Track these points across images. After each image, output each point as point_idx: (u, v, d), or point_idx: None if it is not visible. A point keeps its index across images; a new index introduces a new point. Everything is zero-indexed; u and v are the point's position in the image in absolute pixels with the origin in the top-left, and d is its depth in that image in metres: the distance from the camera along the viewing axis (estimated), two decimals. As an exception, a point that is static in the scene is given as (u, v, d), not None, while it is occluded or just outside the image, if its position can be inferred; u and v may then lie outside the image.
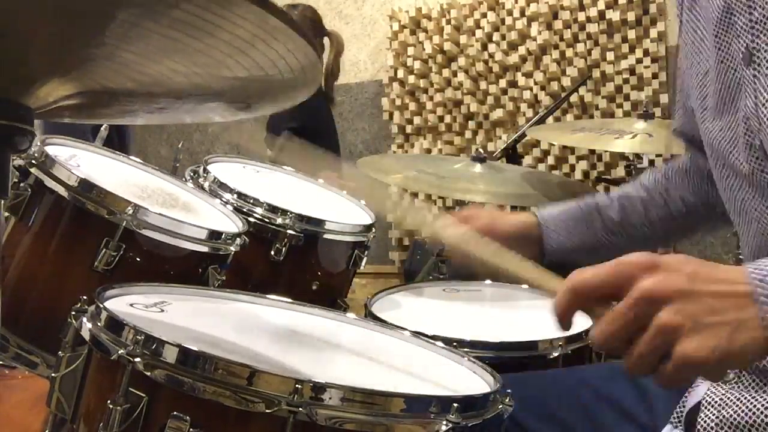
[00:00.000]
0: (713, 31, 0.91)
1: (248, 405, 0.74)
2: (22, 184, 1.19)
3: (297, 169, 1.66)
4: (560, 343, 1.31)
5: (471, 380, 0.98)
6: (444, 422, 0.76)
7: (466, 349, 1.19)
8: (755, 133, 0.87)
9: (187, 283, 1.12)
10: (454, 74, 4.15)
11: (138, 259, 1.19)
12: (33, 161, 1.19)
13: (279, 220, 1.44)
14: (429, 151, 4.20)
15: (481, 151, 2.09)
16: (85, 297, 0.89)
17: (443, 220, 1.22)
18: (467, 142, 4.10)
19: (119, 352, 0.78)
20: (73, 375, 0.84)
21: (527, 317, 1.58)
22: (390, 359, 1.05)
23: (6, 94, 0.70)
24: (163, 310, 0.98)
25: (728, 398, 0.85)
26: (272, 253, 1.43)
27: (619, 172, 3.56)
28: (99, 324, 0.84)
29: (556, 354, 1.29)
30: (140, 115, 0.94)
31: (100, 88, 0.75)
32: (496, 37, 4.04)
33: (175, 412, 0.75)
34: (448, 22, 4.18)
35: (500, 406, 0.85)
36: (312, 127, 3.32)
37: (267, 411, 0.73)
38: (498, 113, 4.00)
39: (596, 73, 3.80)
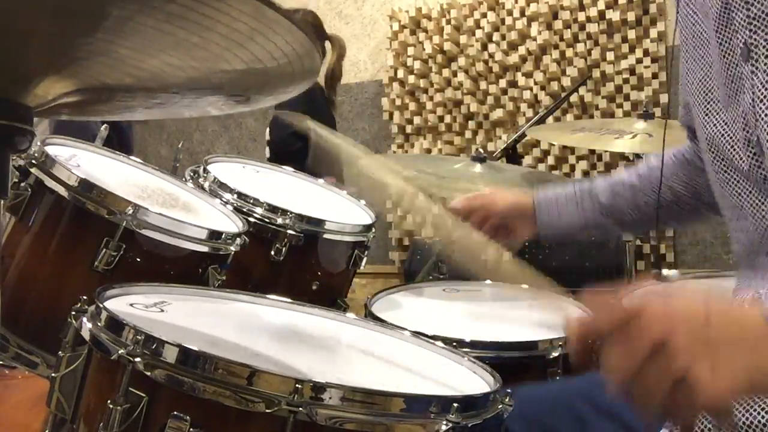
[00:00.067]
0: (713, 26, 0.91)
1: (248, 405, 0.74)
2: (22, 184, 1.19)
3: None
4: (560, 343, 1.31)
5: (471, 380, 0.98)
6: (444, 422, 0.76)
7: (466, 349, 1.19)
8: (752, 129, 0.87)
9: (187, 283, 1.12)
10: (454, 74, 4.15)
11: (138, 259, 1.19)
12: (33, 161, 1.19)
13: (279, 220, 1.44)
14: (429, 151, 4.20)
15: (481, 151, 2.09)
16: (85, 297, 0.89)
17: (446, 215, 1.27)
18: (467, 142, 4.10)
19: (119, 352, 0.78)
20: (73, 375, 0.84)
21: (527, 317, 1.58)
22: (390, 359, 1.05)
23: (5, 93, 0.70)
24: (163, 310, 0.98)
25: (727, 400, 0.85)
26: (272, 253, 1.43)
27: (620, 172, 3.55)
28: (99, 324, 0.84)
29: (556, 354, 1.29)
30: (139, 110, 0.94)
31: (98, 84, 0.75)
32: (496, 37, 4.04)
33: (175, 412, 0.75)
34: (448, 22, 4.17)
35: (500, 406, 0.85)
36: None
37: (267, 411, 0.73)
38: (498, 113, 4.00)
39: (596, 73, 3.80)
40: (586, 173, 3.75)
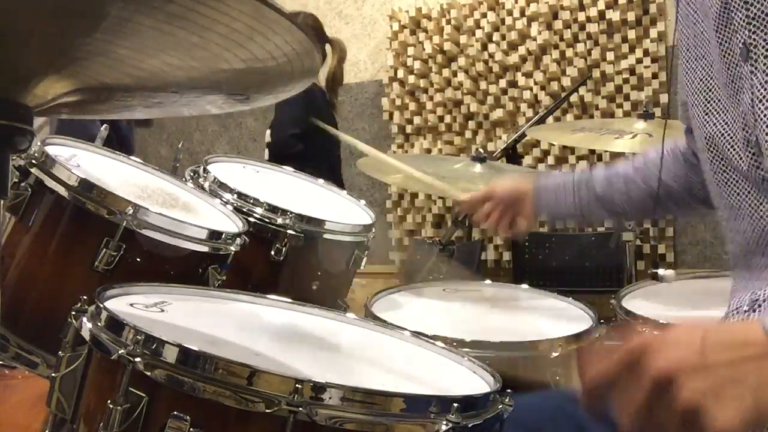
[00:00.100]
0: (713, 26, 0.91)
1: (248, 405, 0.74)
2: (22, 184, 1.19)
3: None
4: (560, 344, 1.32)
5: (471, 380, 0.98)
6: (444, 422, 0.76)
7: (466, 349, 1.19)
8: (751, 129, 0.87)
9: (187, 283, 1.12)
10: (454, 74, 4.15)
11: (138, 259, 1.19)
12: (33, 161, 1.19)
13: (279, 220, 1.44)
14: (429, 151, 4.20)
15: (481, 151, 2.09)
16: (85, 297, 0.89)
17: None
18: (467, 142, 4.10)
19: (119, 352, 0.78)
20: (73, 375, 0.84)
21: (527, 317, 1.58)
22: (390, 359, 1.05)
23: (5, 93, 0.70)
24: (163, 310, 0.98)
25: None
26: (272, 253, 1.43)
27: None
28: (99, 324, 0.84)
29: (556, 354, 1.29)
30: (138, 109, 0.94)
31: (98, 84, 0.75)
32: (496, 37, 4.04)
33: (175, 412, 0.75)
34: (448, 22, 4.17)
35: (500, 406, 0.85)
36: (314, 132, 3.33)
37: (267, 411, 0.73)
38: (498, 113, 4.00)
39: (596, 73, 3.80)
40: (586, 173, 3.75)
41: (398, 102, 4.32)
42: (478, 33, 4.08)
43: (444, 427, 0.76)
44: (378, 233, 1.66)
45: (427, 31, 4.24)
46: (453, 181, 2.01)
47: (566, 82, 3.83)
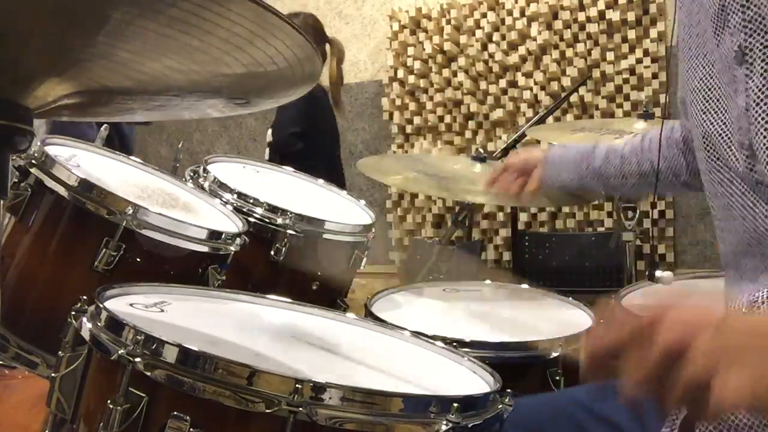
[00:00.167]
0: (711, 26, 0.91)
1: (248, 405, 0.74)
2: (22, 184, 1.19)
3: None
4: (560, 343, 1.32)
5: (471, 380, 0.98)
6: (444, 422, 0.76)
7: (466, 349, 1.19)
8: (746, 133, 0.87)
9: (187, 283, 1.12)
10: (454, 74, 4.15)
11: (138, 259, 1.19)
12: (33, 161, 1.19)
13: (279, 220, 1.44)
14: (429, 151, 4.21)
15: (481, 151, 2.09)
16: (85, 297, 0.89)
17: None
18: (467, 142, 4.10)
19: (119, 352, 0.78)
20: (73, 375, 0.84)
21: (527, 317, 1.58)
22: (390, 359, 1.05)
23: (5, 94, 0.70)
24: (163, 310, 0.98)
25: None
26: (272, 253, 1.43)
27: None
28: (99, 324, 0.84)
29: (556, 354, 1.29)
30: (139, 112, 0.94)
31: (98, 86, 0.75)
32: (496, 37, 4.04)
33: (175, 412, 0.75)
34: (448, 22, 4.17)
35: (500, 406, 0.85)
36: (315, 131, 3.34)
37: (267, 411, 0.73)
38: (498, 113, 4.00)
39: (596, 73, 3.80)
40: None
41: (398, 102, 4.32)
42: (478, 33, 4.08)
43: (444, 427, 0.76)
44: (378, 233, 1.66)
45: (427, 31, 4.24)
46: (453, 181, 2.01)
47: (566, 82, 3.83)
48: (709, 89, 0.95)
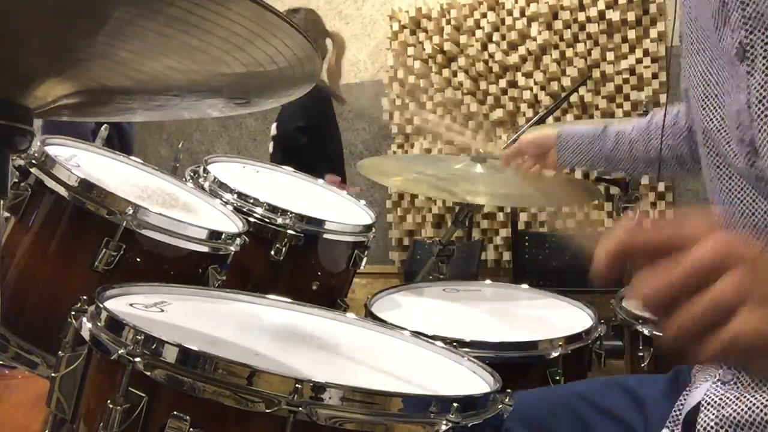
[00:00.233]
0: (712, 22, 0.91)
1: (248, 405, 0.74)
2: (22, 184, 1.19)
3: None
4: (560, 343, 1.32)
5: (471, 380, 0.98)
6: (444, 422, 0.76)
7: (466, 349, 1.19)
8: (747, 129, 0.87)
9: (187, 283, 1.12)
10: (454, 74, 4.15)
11: (138, 259, 1.19)
12: (33, 161, 1.19)
13: (279, 220, 1.44)
14: (429, 151, 4.21)
15: (481, 151, 2.08)
16: (85, 297, 0.89)
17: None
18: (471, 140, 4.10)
19: (119, 352, 0.78)
20: (73, 375, 0.84)
21: (527, 317, 1.58)
22: (390, 359, 1.05)
23: (5, 94, 0.70)
24: (163, 310, 0.98)
25: (728, 397, 0.85)
26: (272, 253, 1.43)
27: (620, 172, 3.56)
28: (99, 324, 0.84)
29: (556, 354, 1.29)
30: (139, 112, 0.94)
31: (98, 86, 0.75)
32: (496, 37, 4.04)
33: (175, 412, 0.75)
34: (448, 22, 4.18)
35: (500, 406, 0.85)
36: (318, 125, 3.35)
37: (267, 411, 0.73)
38: (498, 113, 4.00)
39: (596, 73, 3.80)
40: (586, 173, 3.75)
41: (398, 102, 4.32)
42: (478, 33, 4.08)
43: (444, 427, 0.76)
44: (378, 233, 1.66)
45: (427, 31, 4.24)
46: (453, 181, 2.01)
47: (566, 82, 3.83)
48: (708, 85, 0.95)
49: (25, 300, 1.20)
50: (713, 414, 0.84)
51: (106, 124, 1.61)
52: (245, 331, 1.03)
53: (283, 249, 1.43)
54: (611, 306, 1.52)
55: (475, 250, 3.73)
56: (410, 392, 0.82)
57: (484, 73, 4.07)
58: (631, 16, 3.72)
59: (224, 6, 0.61)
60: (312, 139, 3.31)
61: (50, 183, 1.19)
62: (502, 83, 4.02)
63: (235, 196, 1.48)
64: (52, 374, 0.86)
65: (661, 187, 3.72)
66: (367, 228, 1.59)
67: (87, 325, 0.84)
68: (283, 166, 1.86)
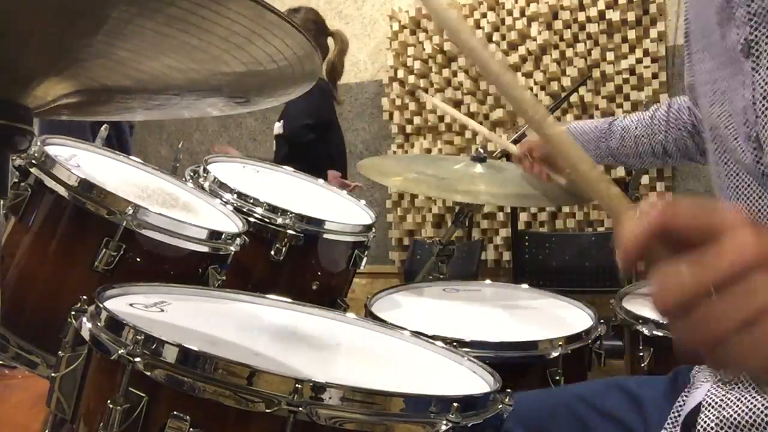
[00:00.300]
0: (717, 19, 0.91)
1: (248, 405, 0.74)
2: (22, 184, 1.19)
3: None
4: (560, 343, 1.32)
5: (471, 380, 0.98)
6: (444, 422, 0.76)
7: (466, 349, 1.19)
8: (752, 126, 0.87)
9: (187, 283, 1.12)
10: (454, 74, 4.15)
11: (138, 259, 1.19)
12: (33, 161, 1.19)
13: (279, 220, 1.44)
14: (429, 151, 4.21)
15: (481, 151, 2.08)
16: (85, 297, 0.89)
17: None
18: (467, 142, 4.10)
19: (119, 352, 0.78)
20: (73, 375, 0.84)
21: (527, 317, 1.58)
22: (390, 359, 1.05)
23: (4, 94, 0.70)
24: (163, 310, 0.98)
25: (729, 398, 0.85)
26: (272, 253, 1.43)
27: (620, 171, 3.57)
28: (99, 324, 0.84)
29: (556, 354, 1.29)
30: (138, 111, 0.94)
31: (98, 86, 0.75)
32: (496, 37, 4.04)
33: (175, 412, 0.75)
34: (448, 22, 4.17)
35: (500, 406, 0.85)
36: (325, 123, 3.36)
37: (267, 411, 0.73)
38: (498, 113, 4.00)
39: (596, 73, 3.80)
40: (586, 173, 3.75)
41: (398, 102, 4.32)
42: (478, 33, 4.08)
43: (444, 427, 0.76)
44: (378, 233, 1.66)
45: (427, 31, 4.24)
46: (453, 181, 2.01)
47: (566, 82, 3.83)
48: (716, 81, 0.95)
49: (25, 300, 1.20)
50: (714, 415, 0.84)
51: (106, 124, 1.61)
52: (245, 331, 1.03)
53: (283, 249, 1.43)
54: (611, 306, 1.52)
55: (475, 250, 3.73)
56: (410, 392, 0.81)
57: (484, 73, 4.07)
58: (631, 16, 3.72)
59: (224, 5, 0.61)
60: (319, 137, 3.32)
61: (50, 183, 1.18)
62: (502, 83, 4.02)
63: (235, 196, 1.48)
64: (52, 374, 0.86)
65: (660, 187, 3.72)
66: (367, 228, 1.59)
67: (87, 325, 0.84)
68: (284, 166, 1.86)
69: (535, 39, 3.92)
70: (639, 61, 3.71)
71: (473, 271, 3.55)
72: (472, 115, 4.09)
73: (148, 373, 0.76)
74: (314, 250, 1.50)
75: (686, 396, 0.91)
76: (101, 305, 0.86)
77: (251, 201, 1.47)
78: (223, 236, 1.28)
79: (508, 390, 0.88)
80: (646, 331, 1.38)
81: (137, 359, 0.76)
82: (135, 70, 0.73)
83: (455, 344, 1.19)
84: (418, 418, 0.77)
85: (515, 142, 2.88)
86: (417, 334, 1.14)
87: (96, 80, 0.74)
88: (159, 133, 5.24)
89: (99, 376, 0.83)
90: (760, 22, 0.85)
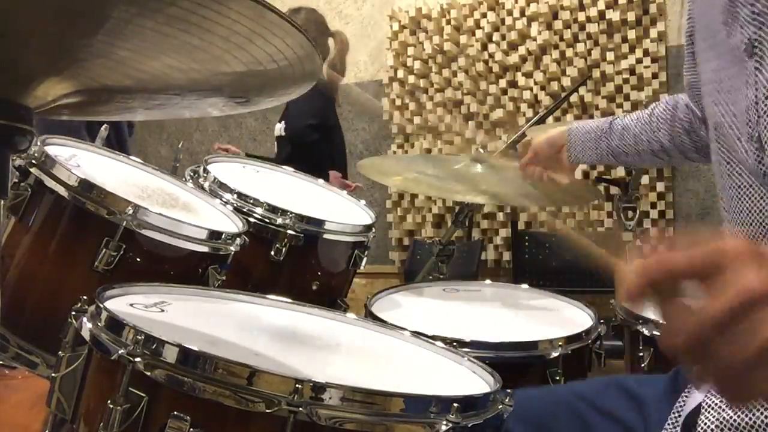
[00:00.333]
0: (721, 18, 0.91)
1: (248, 405, 0.74)
2: (22, 184, 1.19)
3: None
4: (560, 343, 1.32)
5: (471, 380, 0.98)
6: (444, 422, 0.76)
7: (466, 349, 1.19)
8: (755, 126, 0.87)
9: (187, 283, 1.12)
10: (454, 74, 4.15)
11: (138, 259, 1.19)
12: (33, 161, 1.19)
13: (279, 220, 1.44)
14: (429, 151, 4.21)
15: (481, 151, 2.08)
16: (85, 297, 0.89)
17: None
18: (467, 142, 4.10)
19: (119, 352, 0.78)
20: (73, 375, 0.84)
21: (527, 317, 1.58)
22: (390, 359, 1.05)
23: (5, 94, 0.70)
24: (163, 310, 0.98)
25: (729, 400, 0.84)
26: (272, 253, 1.43)
27: (620, 171, 3.57)
28: (99, 324, 0.84)
29: (556, 354, 1.29)
30: (139, 111, 0.94)
31: (98, 85, 0.75)
32: (496, 37, 4.04)
33: (175, 412, 0.75)
34: (448, 22, 4.18)
35: (500, 406, 0.85)
36: (327, 123, 3.36)
37: (267, 411, 0.73)
38: (498, 113, 4.00)
39: (596, 73, 3.80)
40: (586, 173, 3.75)
41: (398, 102, 4.32)
42: (478, 33, 4.08)
43: (444, 427, 0.76)
44: (378, 233, 1.66)
45: (427, 31, 4.24)
46: (453, 181, 2.01)
47: (566, 82, 3.83)
48: (720, 81, 0.95)
49: (25, 300, 1.20)
50: (714, 416, 0.84)
51: (105, 124, 1.61)
52: (245, 331, 1.03)
53: (283, 249, 1.43)
54: (611, 306, 1.52)
55: (475, 250, 3.73)
56: (410, 392, 0.82)
57: (484, 73, 4.07)
58: (631, 16, 3.72)
59: (224, 5, 0.61)
60: (322, 137, 3.32)
61: (50, 183, 1.18)
62: (502, 83, 4.02)
63: (235, 196, 1.48)
64: (52, 374, 0.86)
65: (660, 187, 3.72)
66: (367, 228, 1.59)
67: (87, 325, 0.84)
68: (283, 166, 1.86)
69: (535, 39, 3.92)
70: (639, 61, 3.71)
71: (473, 271, 3.55)
72: (471, 115, 4.10)
73: (149, 373, 0.76)
74: (314, 250, 1.50)
75: (686, 396, 0.91)
76: (101, 305, 0.86)
77: (251, 201, 1.47)
78: (223, 236, 1.28)
79: (508, 390, 0.88)
80: (646, 331, 1.38)
81: (137, 359, 0.76)
82: (135, 70, 0.73)
83: (455, 344, 1.19)
84: (418, 418, 0.77)
85: (516, 141, 2.88)
86: (417, 334, 1.14)
87: (96, 80, 0.74)
88: (159, 133, 5.23)
89: (99, 376, 0.83)
90: (763, 21, 0.85)
